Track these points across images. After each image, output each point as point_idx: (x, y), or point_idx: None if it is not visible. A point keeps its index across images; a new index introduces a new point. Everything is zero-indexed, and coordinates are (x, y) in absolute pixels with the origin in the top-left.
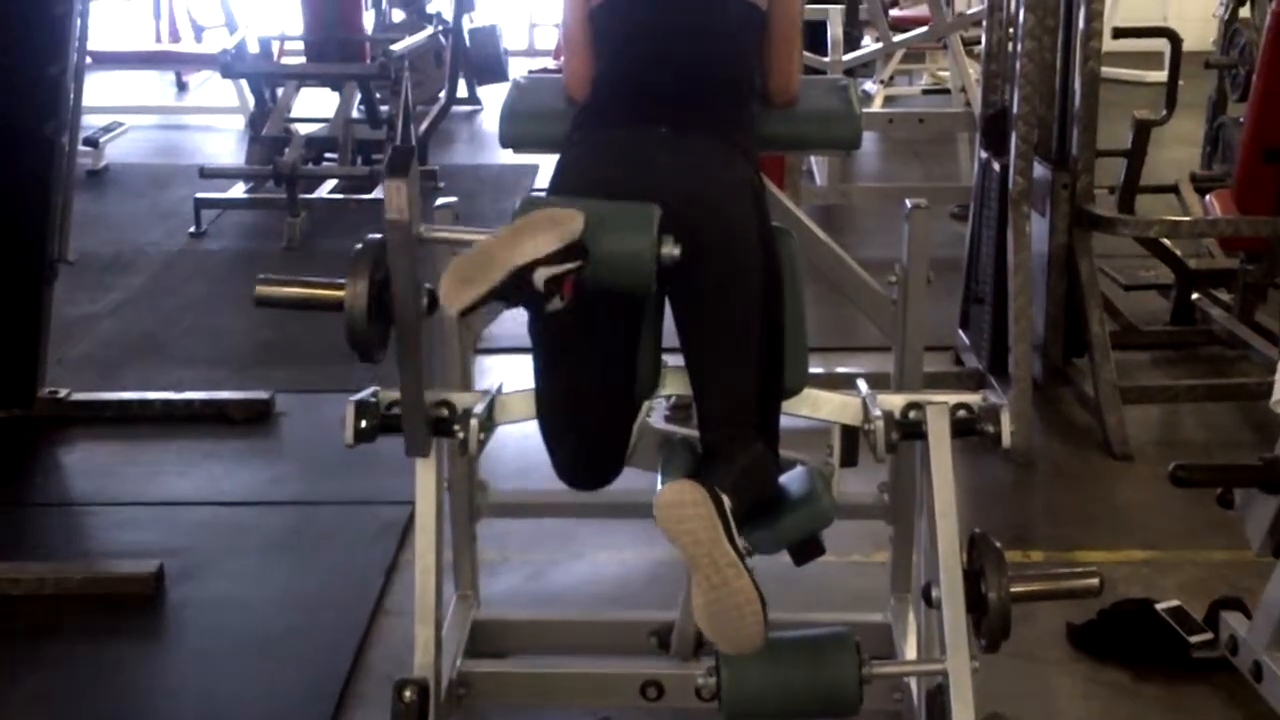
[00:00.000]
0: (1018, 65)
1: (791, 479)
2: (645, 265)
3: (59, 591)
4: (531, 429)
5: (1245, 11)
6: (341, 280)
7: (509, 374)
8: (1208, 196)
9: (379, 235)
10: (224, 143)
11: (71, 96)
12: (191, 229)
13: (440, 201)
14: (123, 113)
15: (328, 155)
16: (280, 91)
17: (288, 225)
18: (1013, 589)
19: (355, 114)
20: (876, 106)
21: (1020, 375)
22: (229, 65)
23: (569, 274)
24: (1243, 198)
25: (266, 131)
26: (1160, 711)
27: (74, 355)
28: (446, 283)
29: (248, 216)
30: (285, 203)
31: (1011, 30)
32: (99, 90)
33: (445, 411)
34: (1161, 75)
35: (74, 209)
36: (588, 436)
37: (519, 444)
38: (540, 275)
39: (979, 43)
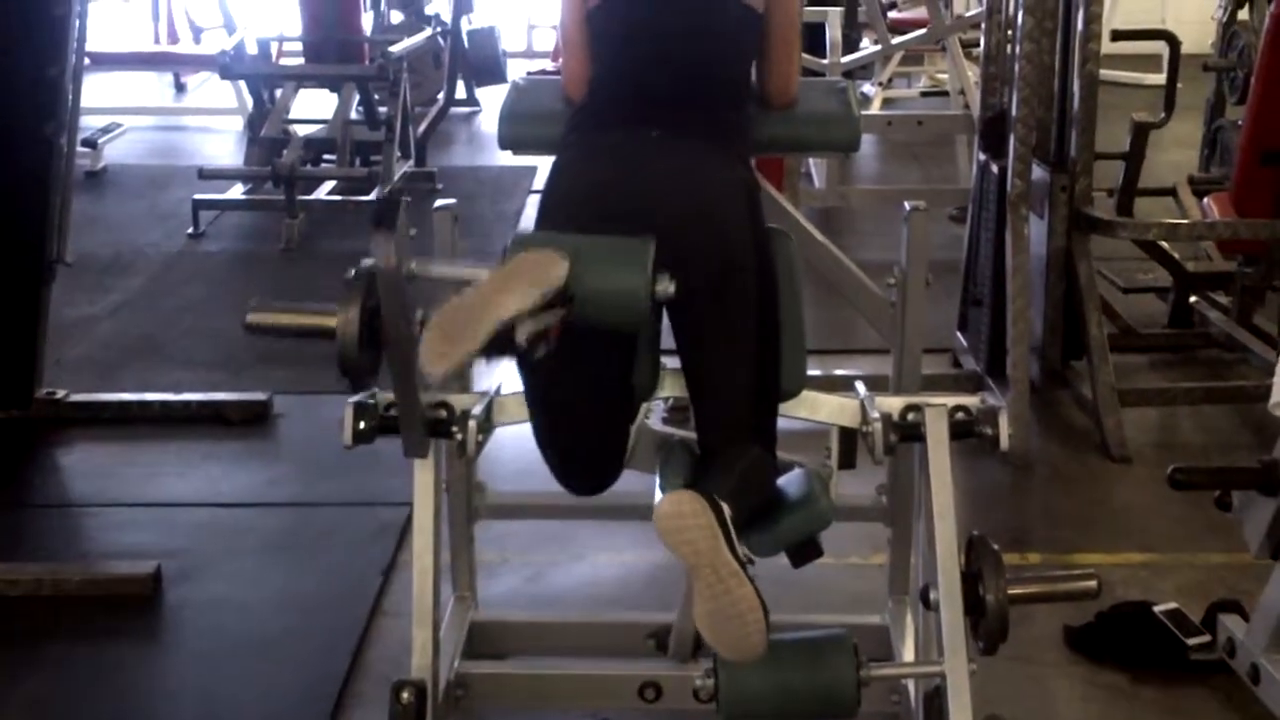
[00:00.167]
0: (1016, 67)
1: (789, 481)
2: (639, 304)
3: (57, 593)
4: (530, 431)
5: (1244, 14)
6: (333, 308)
7: (507, 375)
8: (1206, 199)
9: (371, 261)
10: (222, 144)
11: (70, 97)
12: (190, 230)
13: (439, 204)
14: (121, 114)
15: (326, 156)
16: (279, 93)
17: (286, 226)
18: (1011, 591)
19: (354, 115)
20: (875, 109)
21: (1018, 377)
22: (227, 66)
23: (552, 326)
24: (1241, 200)
25: (265, 133)
26: (1158, 714)
27: (72, 356)
28: (427, 345)
29: (246, 218)
30: (284, 204)
31: (1010, 32)
32: (97, 91)
33: (443, 413)
34: (1160, 78)
35: (72, 210)
36: (583, 447)
37: (517, 445)
38: (524, 331)
39: (978, 45)
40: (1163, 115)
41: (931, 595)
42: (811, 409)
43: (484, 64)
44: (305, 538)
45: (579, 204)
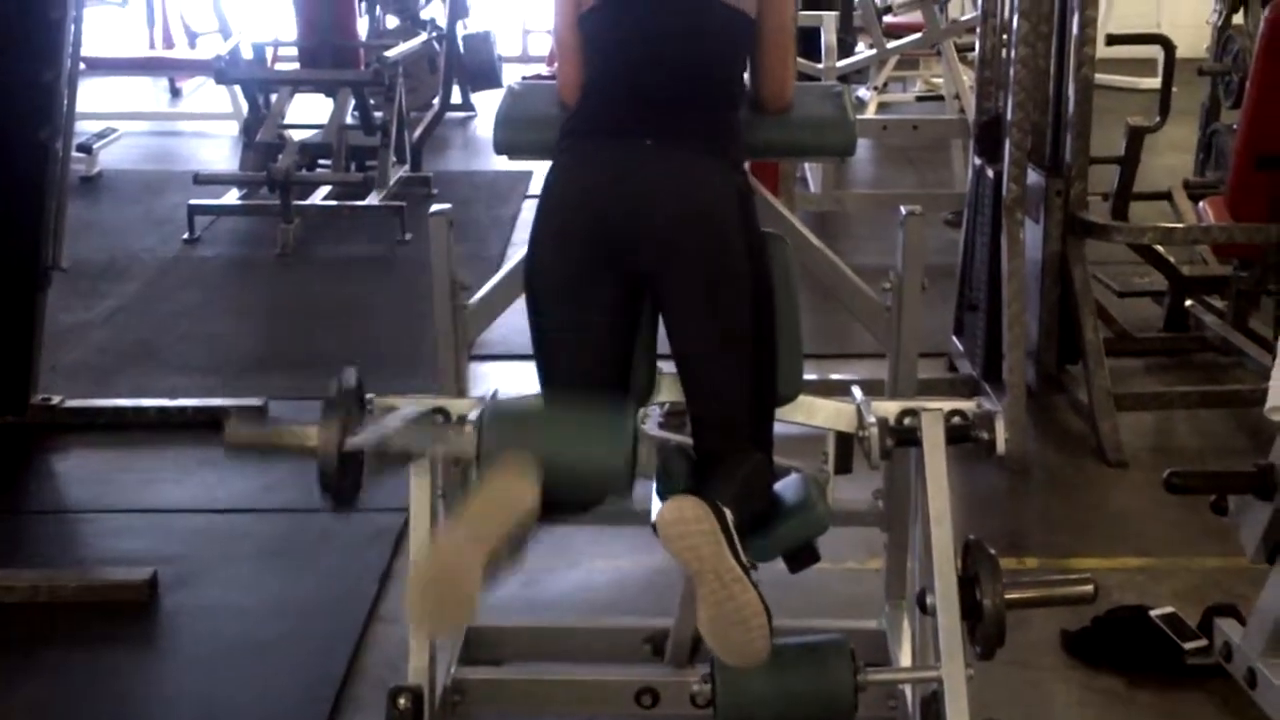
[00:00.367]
0: (1012, 72)
1: (786, 486)
2: (619, 483)
3: (53, 599)
4: None
5: (1239, 18)
6: (313, 427)
7: (504, 380)
8: (1201, 203)
9: (351, 370)
10: (218, 149)
11: (65, 102)
12: (185, 235)
13: (434, 209)
14: (116, 119)
15: (321, 161)
16: (274, 98)
17: (281, 231)
18: (1007, 596)
19: (349, 120)
20: (870, 113)
21: (1014, 382)
22: (223, 71)
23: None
24: (1236, 204)
25: (260, 138)
26: (1154, 718)
27: (67, 362)
28: (419, 615)
29: (242, 223)
30: (279, 209)
31: (1005, 37)
32: (93, 96)
33: (440, 418)
34: (1155, 82)
35: (67, 215)
36: None
37: None
38: (500, 565)
39: (973, 49)
40: (1158, 119)
41: (928, 600)
42: (808, 414)
43: (479, 69)
44: (301, 543)
45: (574, 209)
